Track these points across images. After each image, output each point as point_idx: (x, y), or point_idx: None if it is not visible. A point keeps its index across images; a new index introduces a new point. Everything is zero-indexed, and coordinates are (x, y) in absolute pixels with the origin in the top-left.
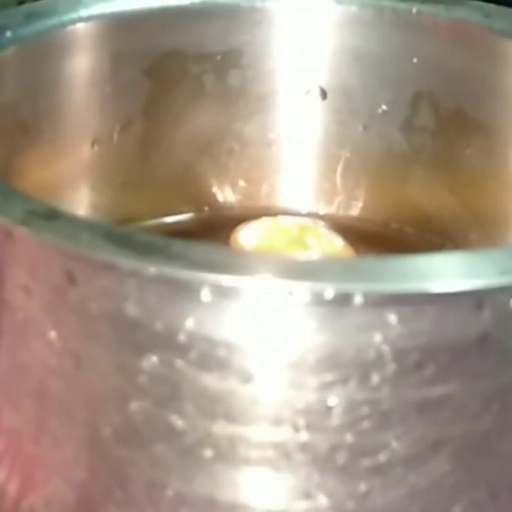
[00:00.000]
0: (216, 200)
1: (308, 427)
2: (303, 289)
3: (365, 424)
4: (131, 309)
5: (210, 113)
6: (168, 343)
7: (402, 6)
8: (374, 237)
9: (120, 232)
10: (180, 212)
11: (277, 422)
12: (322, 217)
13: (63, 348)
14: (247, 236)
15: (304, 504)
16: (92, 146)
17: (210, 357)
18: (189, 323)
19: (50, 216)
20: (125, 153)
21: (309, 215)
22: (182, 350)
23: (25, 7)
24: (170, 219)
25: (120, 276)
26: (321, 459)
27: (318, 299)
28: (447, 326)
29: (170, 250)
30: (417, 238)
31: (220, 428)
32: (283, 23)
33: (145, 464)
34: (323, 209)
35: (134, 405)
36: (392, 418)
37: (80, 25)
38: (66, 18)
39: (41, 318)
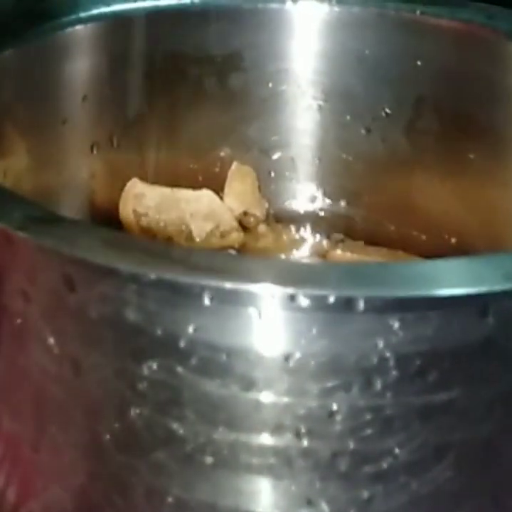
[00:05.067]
0: None
1: (310, 433)
2: (305, 295)
3: (368, 431)
4: (131, 315)
5: (210, 116)
6: (169, 349)
7: (405, 7)
8: (377, 240)
9: (120, 237)
10: None
11: (279, 428)
12: (325, 220)
13: (62, 353)
14: None
15: (305, 511)
16: (92, 149)
17: (211, 363)
18: (190, 329)
19: (49, 221)
20: (125, 156)
21: (311, 216)
22: (183, 356)
23: (24, 9)
24: None
25: (120, 282)
26: (323, 465)
27: (320, 305)
28: (450, 331)
29: (170, 255)
30: (420, 241)
31: (221, 435)
32: (285, 26)
33: (145, 471)
34: (325, 211)
35: (134, 412)
36: (395, 424)
37: (78, 27)
38: (65, 20)
39: (40, 323)
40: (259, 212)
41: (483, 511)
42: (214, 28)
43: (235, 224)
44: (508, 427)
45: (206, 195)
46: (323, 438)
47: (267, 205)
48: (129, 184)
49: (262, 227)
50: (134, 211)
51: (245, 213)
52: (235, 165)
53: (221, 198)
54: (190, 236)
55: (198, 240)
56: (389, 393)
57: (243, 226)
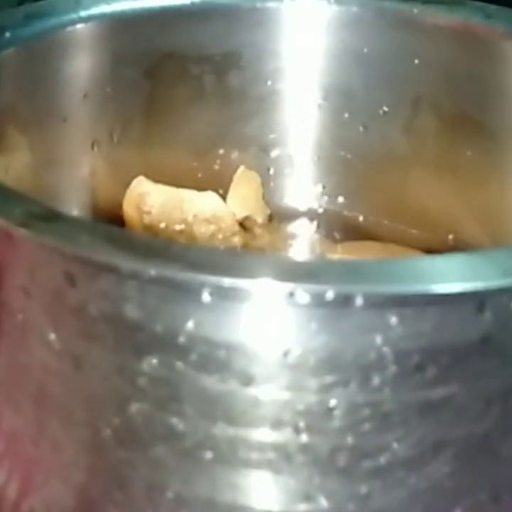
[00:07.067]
0: None
1: (309, 429)
2: (303, 291)
3: (366, 426)
4: (131, 311)
5: (210, 114)
6: (168, 345)
7: (403, 6)
8: (375, 237)
9: (120, 234)
10: None
11: (278, 424)
12: (323, 216)
13: (63, 349)
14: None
15: (304, 506)
16: (92, 147)
17: (211, 359)
18: (189, 325)
19: (50, 218)
20: (125, 154)
21: (309, 213)
22: (182, 352)
23: (25, 8)
24: None
25: (120, 278)
26: (322, 461)
27: (318, 301)
28: (448, 327)
29: (170, 252)
30: (418, 238)
31: (220, 430)
32: (283, 24)
33: (145, 466)
34: (324, 210)
35: (134, 407)
36: (393, 420)
37: (79, 26)
38: (65, 18)
39: (41, 320)
40: (261, 218)
41: (482, 507)
42: (213, 27)
43: (236, 228)
44: (506, 422)
45: (210, 197)
46: (322, 433)
47: (268, 211)
48: (134, 182)
49: (261, 225)
50: (138, 209)
51: (247, 218)
52: (241, 169)
53: (223, 198)
54: (191, 237)
55: (199, 241)
56: (387, 389)
57: (243, 226)
